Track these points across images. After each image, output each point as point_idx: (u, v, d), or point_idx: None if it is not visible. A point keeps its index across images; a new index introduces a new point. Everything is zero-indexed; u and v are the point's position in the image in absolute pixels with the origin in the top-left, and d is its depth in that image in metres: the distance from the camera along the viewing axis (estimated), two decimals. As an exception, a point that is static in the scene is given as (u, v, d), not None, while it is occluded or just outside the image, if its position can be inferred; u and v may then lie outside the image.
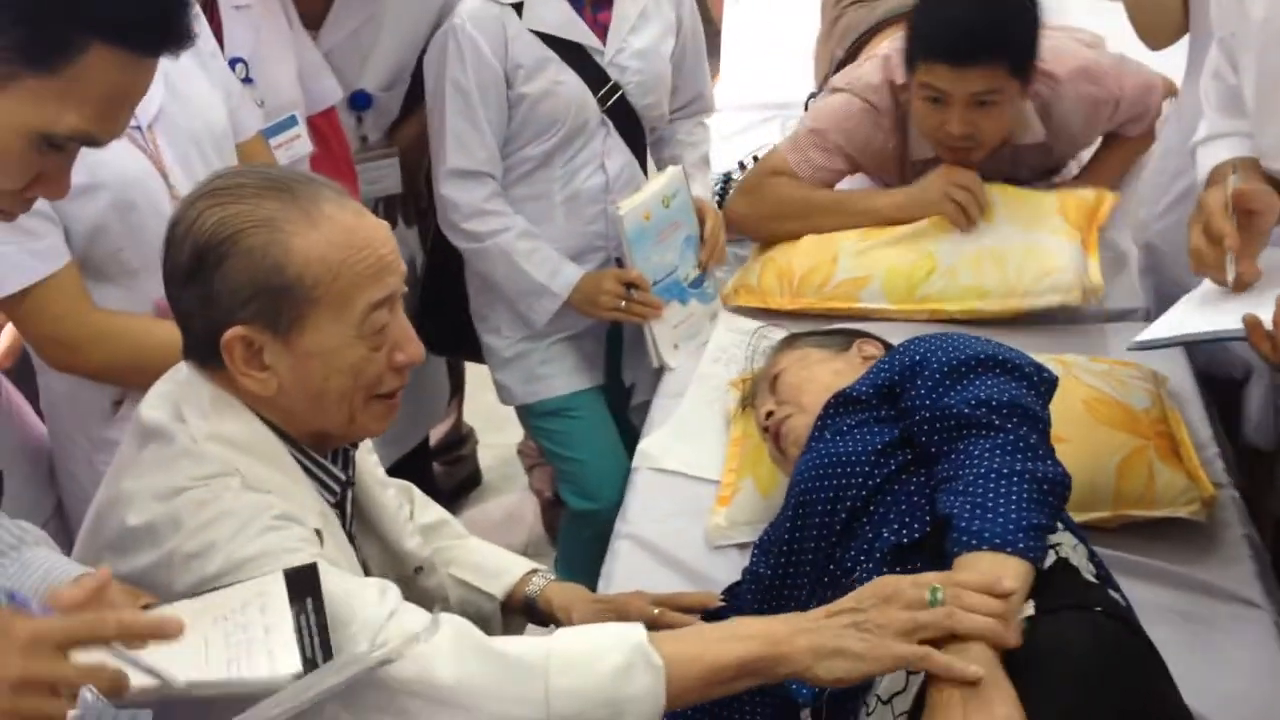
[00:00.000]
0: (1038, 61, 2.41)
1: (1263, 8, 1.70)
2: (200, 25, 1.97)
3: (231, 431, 1.38)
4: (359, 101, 2.53)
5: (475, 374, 3.00)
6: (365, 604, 1.27)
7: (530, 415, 2.66)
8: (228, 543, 1.29)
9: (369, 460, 1.63)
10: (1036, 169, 2.63)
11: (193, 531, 1.31)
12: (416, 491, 1.82)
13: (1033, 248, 2.43)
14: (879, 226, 2.51)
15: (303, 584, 1.21)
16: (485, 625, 1.72)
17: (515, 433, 3.13)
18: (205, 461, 1.35)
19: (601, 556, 2.06)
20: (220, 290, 1.33)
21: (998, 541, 1.37)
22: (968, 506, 1.41)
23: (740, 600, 1.75)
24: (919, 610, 1.29)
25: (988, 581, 1.31)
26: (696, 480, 2.15)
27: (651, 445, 2.25)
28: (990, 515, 1.40)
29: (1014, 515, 1.39)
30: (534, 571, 1.77)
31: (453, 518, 1.84)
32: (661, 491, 2.15)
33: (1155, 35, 2.41)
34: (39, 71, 1.21)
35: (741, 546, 1.96)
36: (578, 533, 2.64)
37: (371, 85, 2.52)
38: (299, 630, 1.18)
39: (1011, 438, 1.48)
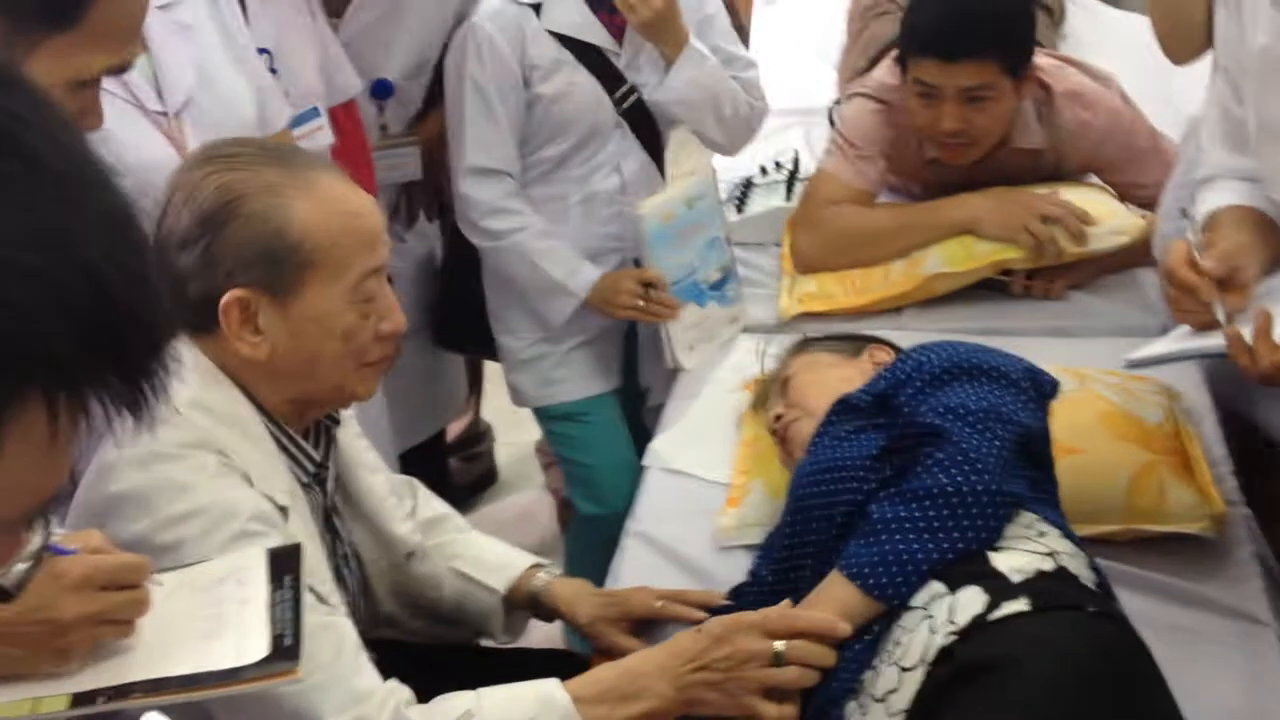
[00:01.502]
0: (1037, 70, 2.41)
1: (1264, 35, 1.69)
2: (236, 17, 2.00)
3: (213, 400, 1.40)
4: (380, 90, 2.53)
5: (494, 371, 3.01)
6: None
7: (544, 417, 2.67)
8: (195, 543, 1.32)
9: (357, 444, 1.65)
10: (1027, 179, 2.58)
11: (164, 524, 1.33)
12: (420, 487, 1.83)
13: (1083, 201, 2.45)
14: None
15: (284, 563, 1.24)
16: (486, 620, 1.73)
17: (533, 431, 3.14)
18: (185, 428, 1.36)
19: (609, 560, 2.07)
20: (222, 254, 1.36)
21: (853, 571, 1.47)
22: (865, 527, 1.50)
23: (744, 601, 1.75)
24: (769, 669, 1.45)
25: (825, 628, 1.46)
26: (706, 482, 2.15)
27: (662, 445, 2.25)
28: (867, 541, 1.48)
29: (888, 547, 1.46)
30: (538, 566, 1.77)
31: (456, 513, 1.85)
32: (671, 492, 2.15)
33: (1178, 48, 2.39)
34: (62, 29, 1.25)
35: (749, 548, 1.96)
36: (586, 536, 2.65)
37: (393, 74, 2.53)
38: (273, 607, 1.20)
39: (955, 452, 1.49)
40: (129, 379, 0.63)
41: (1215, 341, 1.63)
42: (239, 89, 1.95)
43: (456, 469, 3.34)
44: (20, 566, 0.69)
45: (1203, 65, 2.34)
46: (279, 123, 2.06)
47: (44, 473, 0.63)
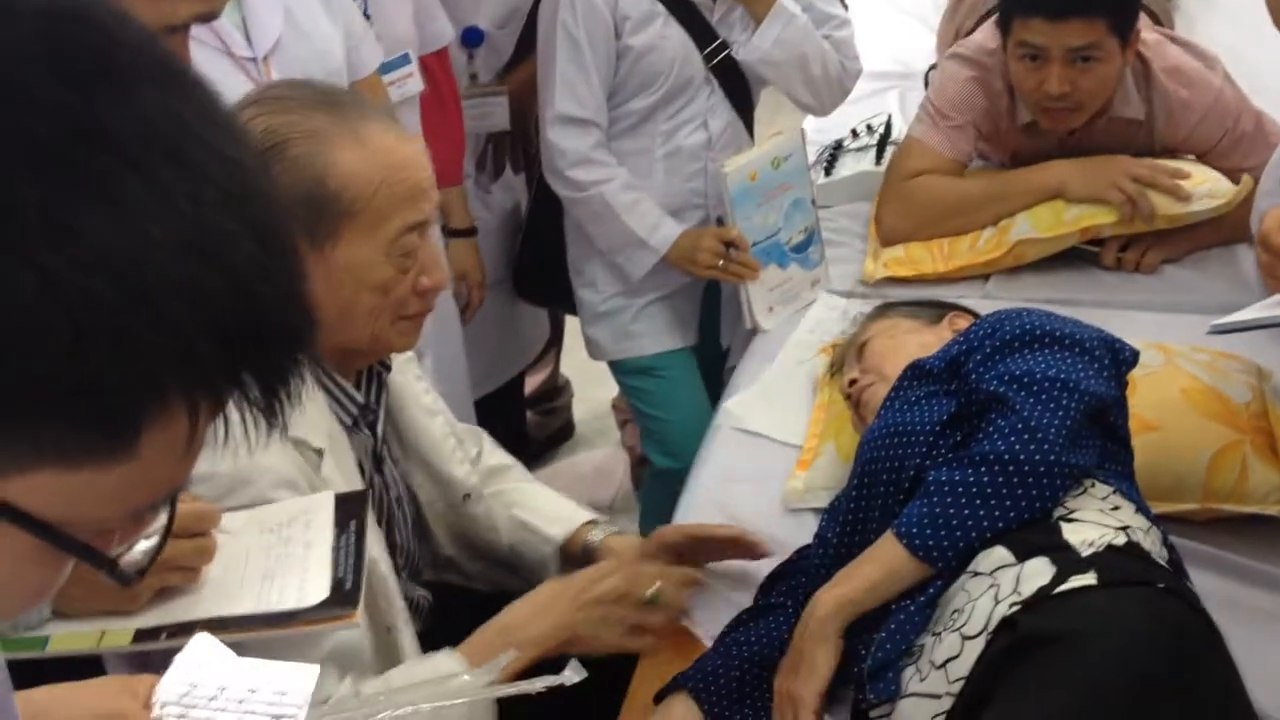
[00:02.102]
0: (1140, 33, 2.35)
1: None
2: None
3: None
4: (471, 38, 2.54)
5: (575, 327, 3.02)
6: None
7: (620, 371, 2.67)
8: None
9: (415, 387, 1.66)
10: (1123, 152, 2.51)
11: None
12: (487, 438, 1.84)
13: (1176, 170, 2.41)
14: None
15: (351, 508, 1.25)
16: (541, 569, 1.74)
17: (610, 388, 3.15)
18: None
19: (684, 515, 2.07)
20: None
21: (902, 531, 1.48)
22: (922, 490, 1.50)
23: (808, 563, 1.74)
24: (642, 610, 1.56)
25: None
26: (776, 444, 2.13)
27: (736, 405, 2.24)
28: (920, 503, 1.49)
29: (939, 510, 1.46)
30: (594, 523, 1.78)
31: (520, 465, 1.86)
32: (740, 451, 2.14)
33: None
34: None
35: (817, 511, 1.94)
36: (659, 490, 2.65)
37: (485, 22, 2.54)
38: (336, 550, 1.21)
39: (1016, 420, 1.47)
40: (267, 385, 0.64)
41: None
42: (328, 33, 1.95)
43: (534, 422, 3.36)
44: (144, 545, 0.71)
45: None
46: (369, 68, 2.08)
47: (179, 469, 0.64)
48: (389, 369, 1.58)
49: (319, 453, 1.41)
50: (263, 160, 0.66)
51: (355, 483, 1.47)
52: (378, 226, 1.38)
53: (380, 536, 1.49)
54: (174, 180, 0.59)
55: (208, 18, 1.38)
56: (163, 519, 0.70)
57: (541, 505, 1.78)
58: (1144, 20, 2.61)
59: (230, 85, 1.75)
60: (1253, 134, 2.45)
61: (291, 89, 1.45)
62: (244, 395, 0.64)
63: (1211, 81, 2.45)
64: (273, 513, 1.28)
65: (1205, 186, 2.39)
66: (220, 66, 1.77)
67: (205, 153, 0.61)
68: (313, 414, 1.43)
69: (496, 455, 1.83)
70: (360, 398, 1.52)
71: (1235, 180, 2.43)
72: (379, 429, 1.57)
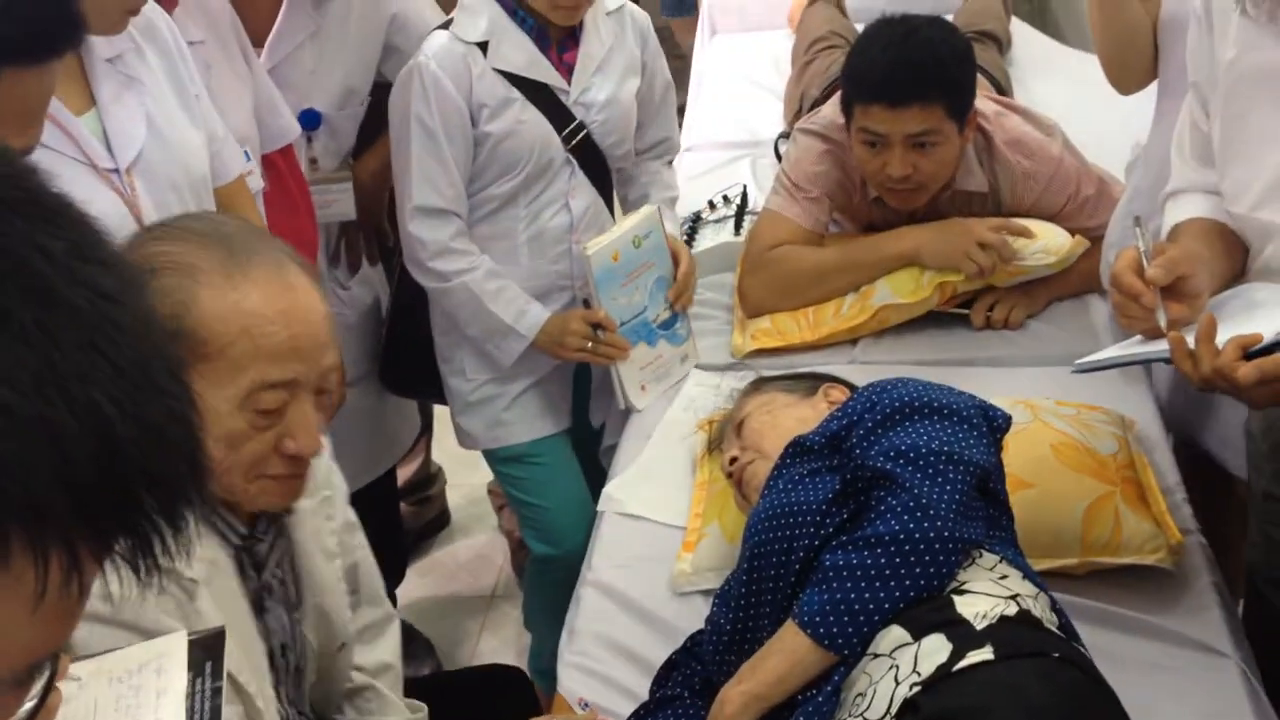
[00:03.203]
0: (979, 116, 2.43)
1: (1232, 48, 1.70)
2: (186, 62, 1.95)
3: None
4: (308, 120, 2.46)
5: (445, 413, 2.98)
6: None
7: (493, 460, 2.63)
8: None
9: (322, 528, 1.57)
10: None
11: None
12: (372, 588, 1.76)
13: (1021, 229, 2.47)
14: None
15: (205, 650, 1.18)
16: None
17: (485, 473, 3.10)
18: None
19: (567, 601, 2.04)
20: None
21: (804, 620, 1.48)
22: (818, 575, 1.50)
23: (704, 651, 1.72)
24: None
25: None
26: (662, 525, 2.12)
27: (616, 489, 2.23)
28: (819, 589, 1.49)
29: (839, 595, 1.46)
30: None
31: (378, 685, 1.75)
32: (626, 536, 2.12)
33: (1125, 78, 2.41)
34: None
35: (706, 593, 1.93)
36: (541, 576, 2.61)
37: (321, 104, 2.47)
38: (190, 697, 1.15)
39: (907, 499, 1.48)
40: (137, 537, 0.59)
41: (1160, 347, 1.63)
42: (192, 140, 1.90)
43: (408, 513, 3.28)
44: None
45: (1146, 95, 2.37)
46: (232, 173, 2.02)
47: (34, 631, 0.58)
48: (289, 511, 1.49)
49: (191, 583, 1.34)
50: (139, 293, 0.62)
51: (239, 615, 1.40)
52: (229, 376, 1.30)
53: (265, 674, 1.43)
54: (34, 318, 0.56)
55: (24, 154, 1.33)
56: (36, 689, 0.65)
57: None
58: (984, 88, 2.70)
59: (94, 196, 1.69)
60: (1095, 197, 2.54)
61: (199, 221, 1.39)
62: (106, 549, 0.59)
63: (1051, 151, 2.53)
64: (122, 659, 1.19)
65: (1039, 243, 2.46)
66: (84, 180, 1.70)
67: (72, 290, 0.57)
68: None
69: (377, 647, 1.74)
70: (243, 529, 1.44)
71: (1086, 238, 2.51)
72: (265, 572, 1.50)
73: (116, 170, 1.76)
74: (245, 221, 1.47)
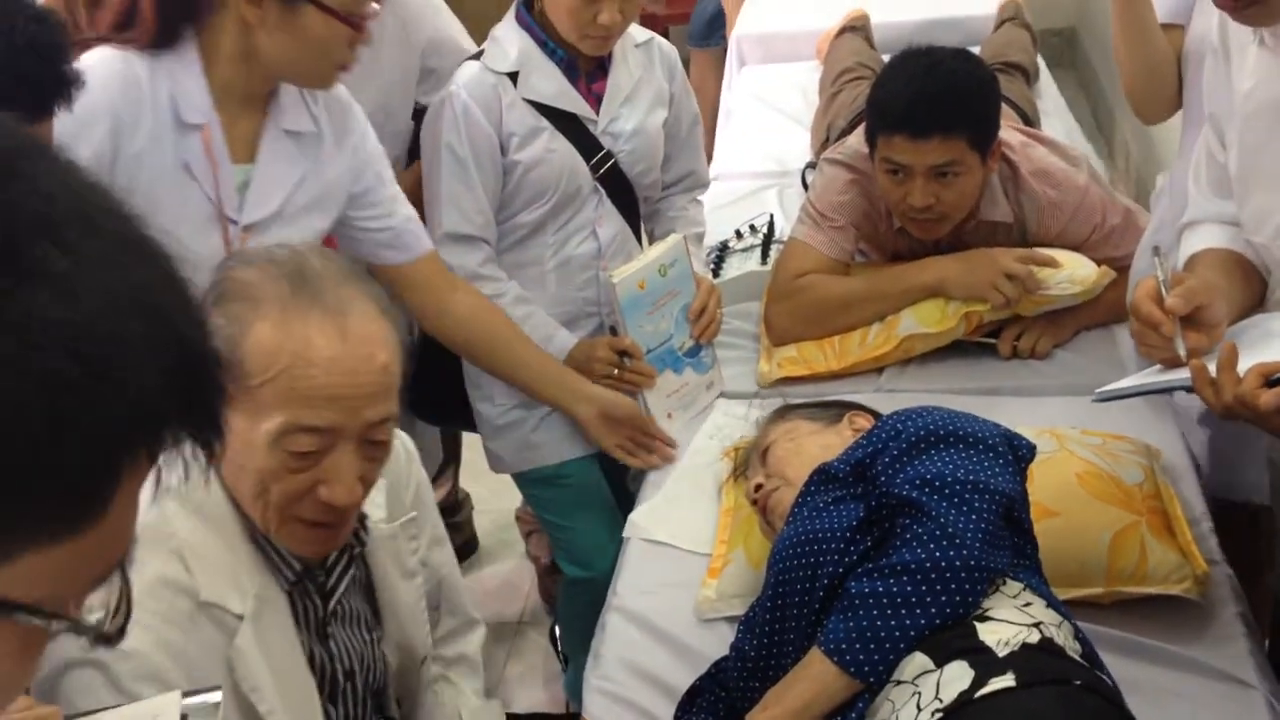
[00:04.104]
0: (1004, 146, 2.44)
1: (1249, 79, 1.71)
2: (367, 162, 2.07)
3: (189, 490, 1.35)
4: None
5: (472, 440, 3.00)
6: None
7: (523, 482, 2.65)
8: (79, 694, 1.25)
9: (403, 549, 1.57)
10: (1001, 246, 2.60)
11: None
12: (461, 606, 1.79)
13: (1047, 259, 2.48)
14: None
15: (200, 714, 1.18)
16: None
17: (513, 499, 3.12)
18: (149, 510, 1.31)
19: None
20: None
21: (831, 648, 1.48)
22: (844, 602, 1.50)
23: (727, 676, 1.73)
24: None
25: None
26: (687, 552, 2.13)
27: (642, 516, 2.24)
28: (845, 616, 1.49)
29: (865, 623, 1.47)
30: None
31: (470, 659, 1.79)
32: (652, 563, 2.13)
33: (1149, 109, 2.42)
34: None
35: (731, 620, 1.94)
36: (575, 599, 2.62)
37: None
38: None
39: (934, 527, 1.49)
40: (210, 421, 0.66)
41: (1181, 375, 1.64)
42: (315, 225, 1.97)
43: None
44: (98, 610, 0.69)
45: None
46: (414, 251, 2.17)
47: (134, 513, 0.65)
48: (362, 544, 1.49)
49: (239, 618, 1.34)
50: (140, 218, 0.67)
51: (285, 652, 1.40)
52: (261, 413, 1.30)
53: (315, 707, 1.43)
54: (95, 248, 0.61)
55: None
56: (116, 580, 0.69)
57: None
58: (1010, 119, 2.71)
59: (203, 241, 1.78)
60: (1121, 226, 2.54)
61: (283, 251, 1.40)
62: (192, 435, 0.65)
63: (1077, 181, 2.54)
64: (115, 717, 1.19)
65: (1065, 273, 2.46)
66: (202, 220, 1.80)
67: (110, 216, 0.64)
68: (239, 574, 1.36)
69: (456, 643, 1.78)
70: (297, 566, 1.44)
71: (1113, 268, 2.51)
72: (333, 601, 1.49)
73: (235, 223, 1.84)
74: (341, 261, 1.45)
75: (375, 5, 1.88)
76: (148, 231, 0.66)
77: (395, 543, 1.56)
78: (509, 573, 3.39)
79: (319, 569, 1.48)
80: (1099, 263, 2.51)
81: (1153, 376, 1.77)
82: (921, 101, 2.34)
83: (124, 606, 0.69)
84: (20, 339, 0.57)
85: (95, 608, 0.68)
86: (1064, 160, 2.58)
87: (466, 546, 3.43)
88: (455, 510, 3.39)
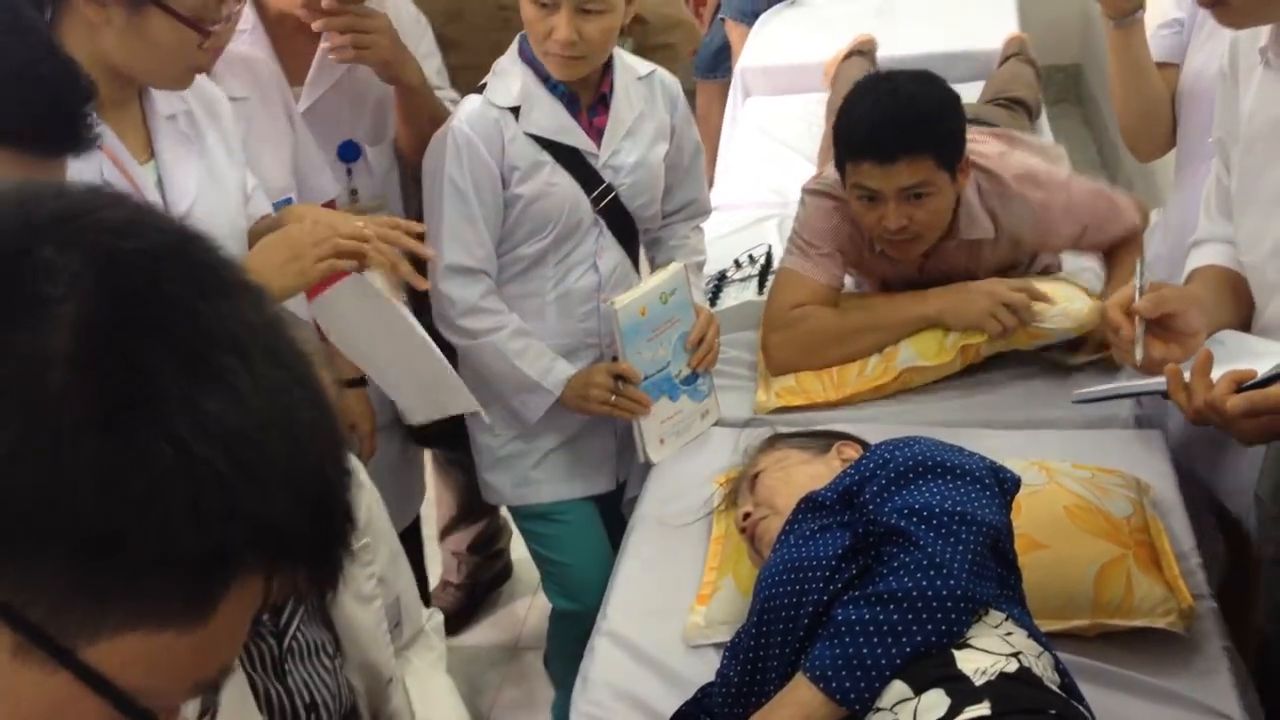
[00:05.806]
0: (983, 158, 2.46)
1: (1254, 101, 1.74)
2: (227, 117, 2.06)
3: None
4: (347, 153, 2.53)
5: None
6: None
7: (517, 515, 2.67)
8: None
9: (356, 576, 1.57)
10: (993, 267, 2.62)
11: None
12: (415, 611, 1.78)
13: (1040, 294, 2.49)
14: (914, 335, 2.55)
15: None
16: None
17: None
18: None
19: (586, 656, 2.06)
20: None
21: (816, 674, 1.50)
22: (829, 629, 1.51)
23: (712, 702, 1.75)
24: None
25: None
26: (677, 578, 2.15)
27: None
28: (830, 643, 1.50)
29: (851, 650, 1.48)
30: None
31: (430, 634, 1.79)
32: (641, 588, 2.15)
33: (1144, 147, 2.45)
34: None
35: (719, 646, 1.95)
36: (564, 632, 2.64)
37: (359, 136, 2.55)
38: None
39: (920, 556, 1.50)
40: (331, 559, 0.70)
41: (1156, 380, 1.66)
42: (235, 197, 2.00)
43: (477, 566, 3.34)
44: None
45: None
46: (255, 216, 2.11)
47: (238, 640, 0.69)
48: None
49: None
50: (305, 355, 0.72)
51: (232, 696, 1.37)
52: None
53: None
54: (275, 376, 0.66)
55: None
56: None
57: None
58: (985, 132, 2.72)
59: None
60: (1107, 210, 2.56)
61: None
62: (310, 569, 0.69)
63: (1059, 176, 2.57)
64: None
65: (1059, 308, 2.47)
66: None
67: (291, 355, 0.69)
68: None
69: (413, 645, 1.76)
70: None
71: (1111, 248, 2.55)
72: (287, 638, 1.48)
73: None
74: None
75: (236, 6, 1.88)
76: (317, 373, 0.71)
77: (349, 569, 1.56)
78: (506, 598, 3.40)
79: (268, 609, 1.46)
80: (1098, 246, 2.54)
81: (1130, 380, 1.80)
82: (884, 126, 2.37)
83: None
84: (191, 422, 0.62)
85: None
86: (1044, 158, 2.61)
87: (503, 573, 3.45)
88: (494, 540, 3.40)
